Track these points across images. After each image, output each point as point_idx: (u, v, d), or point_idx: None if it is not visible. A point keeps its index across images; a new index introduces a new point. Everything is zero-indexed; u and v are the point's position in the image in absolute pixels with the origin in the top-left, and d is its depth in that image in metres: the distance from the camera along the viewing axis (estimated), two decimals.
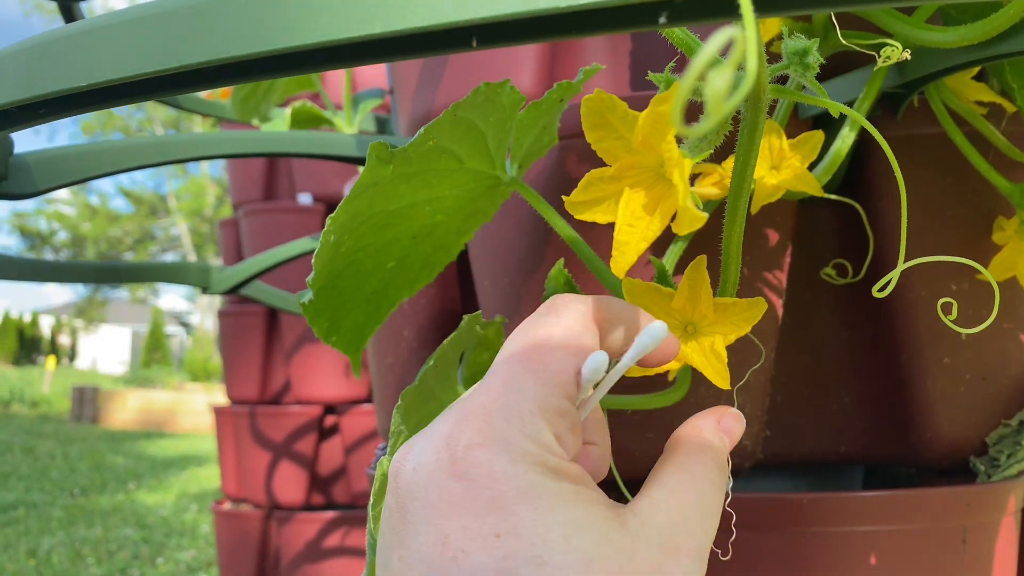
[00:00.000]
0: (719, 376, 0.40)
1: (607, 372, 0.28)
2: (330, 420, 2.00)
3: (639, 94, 0.60)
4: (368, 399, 1.98)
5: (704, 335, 0.40)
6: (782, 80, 0.40)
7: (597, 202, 0.28)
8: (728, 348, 0.45)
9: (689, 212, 0.24)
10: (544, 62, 0.64)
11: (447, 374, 0.48)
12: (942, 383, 0.56)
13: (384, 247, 0.45)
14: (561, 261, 0.49)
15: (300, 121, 0.80)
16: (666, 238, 0.52)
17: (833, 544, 0.50)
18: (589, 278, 0.53)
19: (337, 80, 1.48)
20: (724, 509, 0.40)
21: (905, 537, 0.50)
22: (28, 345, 22.33)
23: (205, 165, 21.13)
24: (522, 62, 0.64)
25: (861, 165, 0.58)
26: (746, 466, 0.56)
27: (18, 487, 5.07)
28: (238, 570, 2.03)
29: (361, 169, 0.40)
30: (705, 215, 0.24)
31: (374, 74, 1.54)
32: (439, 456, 0.26)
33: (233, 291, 1.06)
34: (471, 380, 0.59)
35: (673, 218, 0.26)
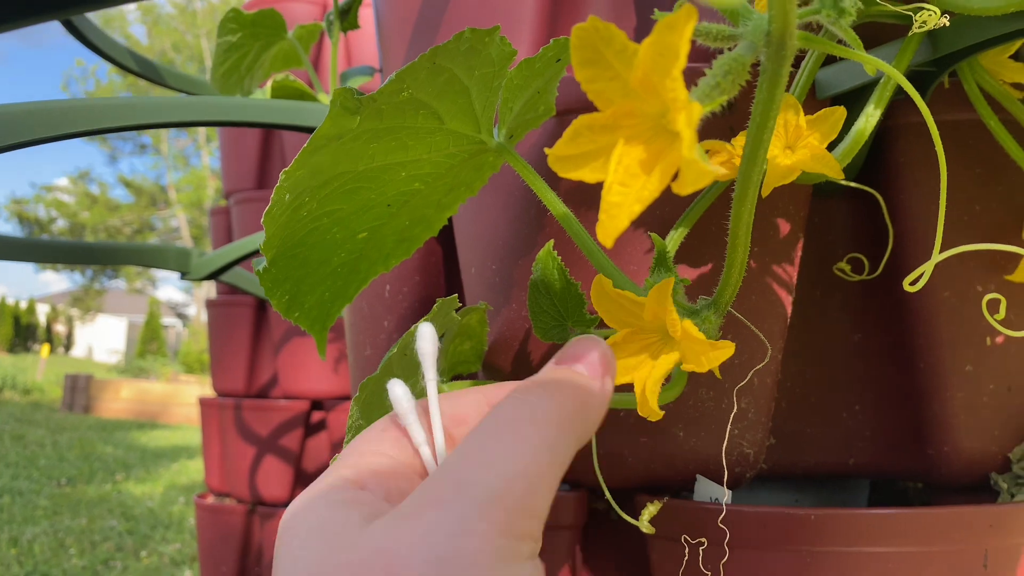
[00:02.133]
0: (647, 406, 0.34)
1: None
2: (317, 416, 1.96)
3: None
4: None
5: (665, 353, 0.34)
6: (810, 30, 0.36)
7: (586, 158, 0.23)
8: (736, 345, 0.41)
9: (695, 165, 0.19)
10: (543, 21, 0.60)
11: (414, 365, 0.43)
12: (963, 393, 0.52)
13: (354, 214, 0.40)
14: (550, 243, 0.45)
15: (282, 96, 0.75)
16: (665, 223, 0.48)
17: (842, 565, 0.46)
18: (582, 263, 0.48)
19: (326, 59, 1.43)
20: (717, 525, 0.36)
21: (921, 560, 0.45)
22: (23, 332, 22.24)
23: (206, 157, 21.08)
24: (520, 19, 0.59)
25: (879, 154, 0.53)
26: (748, 476, 0.51)
27: (5, 475, 5.01)
28: (219, 565, 1.98)
29: None
30: (714, 170, 0.20)
31: (367, 53, 1.49)
32: None
33: (213, 277, 1.02)
34: (451, 370, 0.55)
35: (674, 179, 0.21)
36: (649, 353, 0.33)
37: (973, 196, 0.51)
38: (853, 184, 0.48)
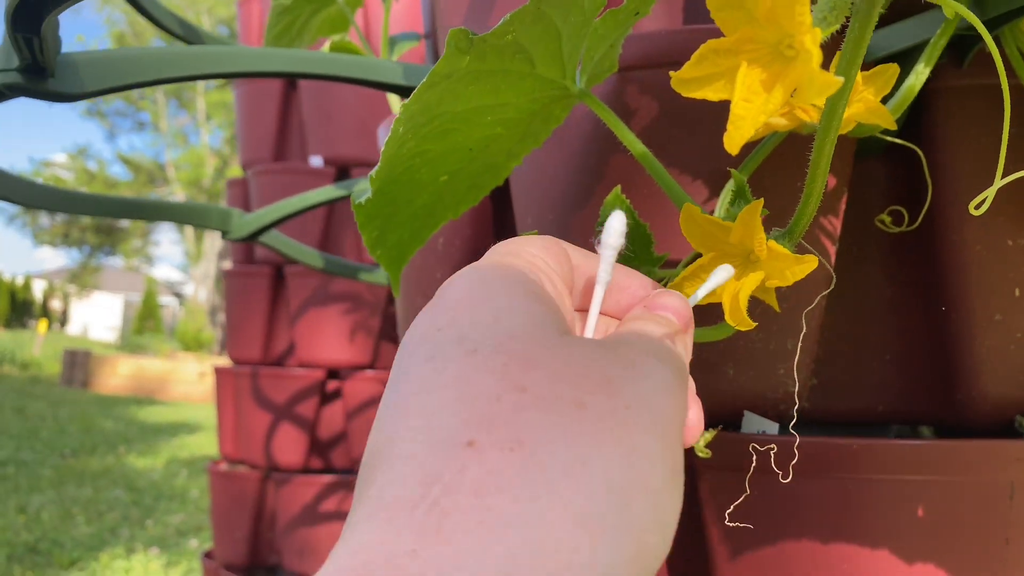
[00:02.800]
0: (736, 320, 0.38)
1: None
2: (332, 385, 1.99)
3: (695, 27, 0.59)
4: (371, 365, 1.97)
5: (750, 272, 0.38)
6: None
7: (709, 79, 0.27)
8: (782, 290, 0.44)
9: (822, 77, 0.23)
10: None
11: None
12: (992, 340, 0.55)
13: (441, 156, 0.44)
14: (618, 188, 0.48)
15: None
16: (721, 175, 0.51)
17: (881, 492, 0.49)
18: (646, 208, 0.52)
19: (372, 22, 1.46)
20: (766, 455, 0.38)
21: (953, 488, 0.49)
22: (19, 308, 22.24)
23: (205, 136, 21.01)
24: None
25: (917, 116, 0.57)
26: (792, 412, 0.55)
27: (8, 445, 5.05)
28: (232, 531, 2.02)
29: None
30: (840, 79, 0.23)
31: (406, 19, 1.52)
32: None
33: (253, 237, 1.05)
34: None
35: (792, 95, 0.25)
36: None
37: (1010, 158, 0.54)
38: (898, 140, 0.52)
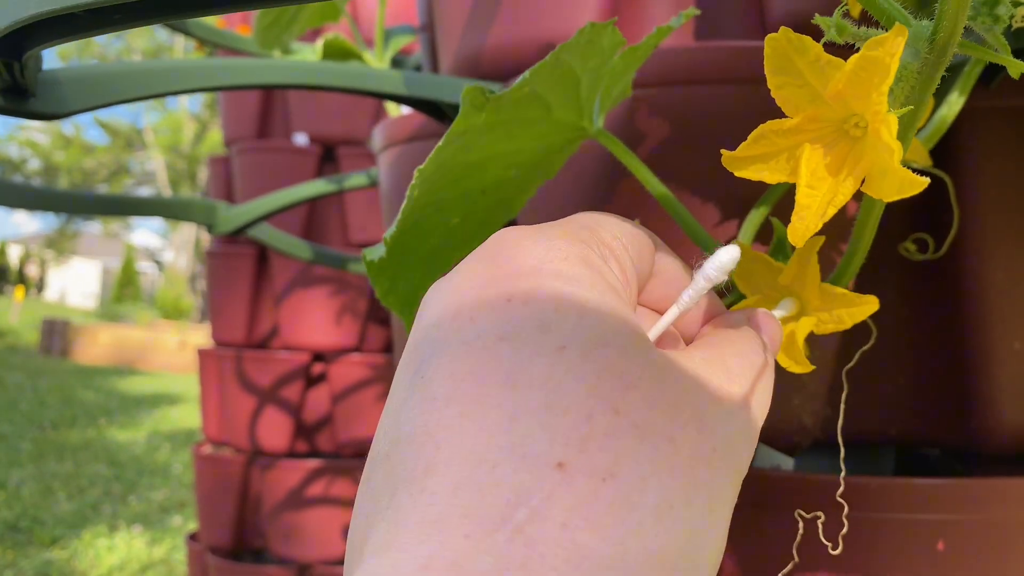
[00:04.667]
0: (796, 363, 0.37)
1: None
2: (318, 368, 1.97)
3: (706, 44, 0.57)
4: (358, 348, 1.95)
5: (803, 316, 0.37)
6: None
7: (766, 158, 0.25)
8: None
9: (902, 174, 0.21)
10: (607, 4, 0.60)
11: None
12: (1010, 368, 0.54)
13: (454, 201, 0.41)
14: (636, 221, 0.46)
15: (331, 55, 0.75)
16: (743, 200, 0.49)
17: (899, 531, 0.48)
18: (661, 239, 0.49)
19: (366, 13, 1.41)
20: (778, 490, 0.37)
21: (976, 528, 0.48)
22: None
23: (184, 100, 20.69)
24: (585, 2, 0.59)
25: (945, 139, 0.55)
26: (805, 444, 0.54)
27: None
28: (217, 514, 2.01)
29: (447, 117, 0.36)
30: (926, 180, 0.21)
31: (400, 12, 1.47)
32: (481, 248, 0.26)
33: (239, 232, 1.02)
34: None
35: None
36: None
37: None
38: (929, 168, 0.50)
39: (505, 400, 0.21)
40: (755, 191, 0.46)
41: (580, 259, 0.24)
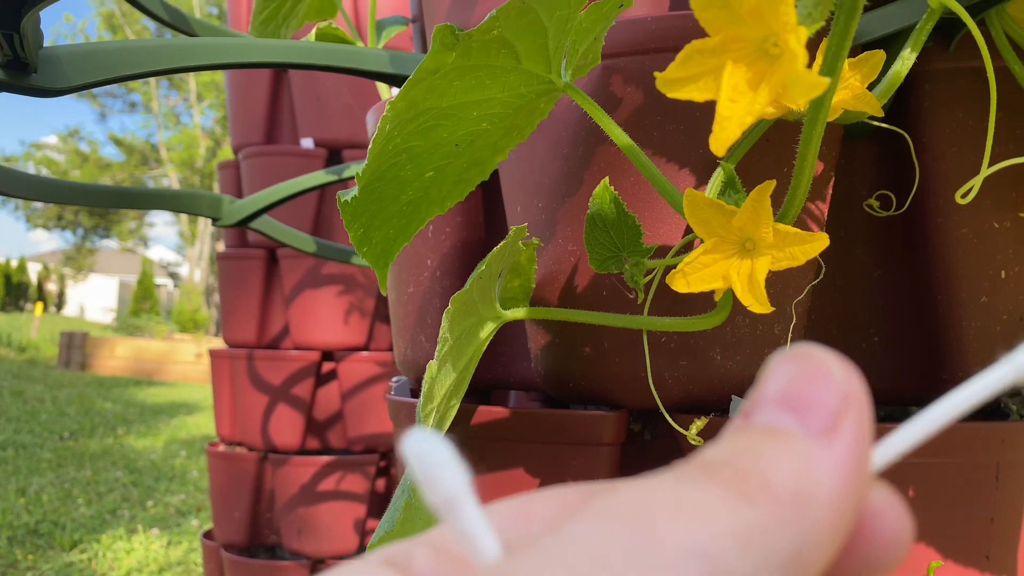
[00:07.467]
0: (757, 302, 0.39)
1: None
2: (327, 366, 2.00)
3: (679, 12, 0.59)
4: (366, 346, 1.98)
5: (760, 256, 0.39)
6: None
7: (694, 78, 0.27)
8: (770, 276, 0.45)
9: (808, 77, 0.23)
10: None
11: (489, 289, 0.47)
12: (978, 322, 0.56)
13: (426, 152, 0.44)
14: (606, 179, 0.48)
15: (323, 41, 0.78)
16: (707, 163, 0.51)
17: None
18: (633, 198, 0.52)
19: (360, 6, 1.44)
20: None
21: (939, 470, 0.50)
22: (15, 291, 22.19)
23: (198, 116, 20.87)
24: None
25: (904, 97, 0.57)
26: None
27: (7, 428, 5.06)
28: (231, 511, 2.04)
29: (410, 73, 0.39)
30: (826, 81, 0.23)
31: (399, 10, 1.50)
32: None
33: (244, 223, 1.05)
34: (505, 304, 0.58)
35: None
36: (733, 261, 0.37)
37: (995, 139, 0.54)
38: (884, 125, 0.52)
39: None
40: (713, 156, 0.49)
41: None
